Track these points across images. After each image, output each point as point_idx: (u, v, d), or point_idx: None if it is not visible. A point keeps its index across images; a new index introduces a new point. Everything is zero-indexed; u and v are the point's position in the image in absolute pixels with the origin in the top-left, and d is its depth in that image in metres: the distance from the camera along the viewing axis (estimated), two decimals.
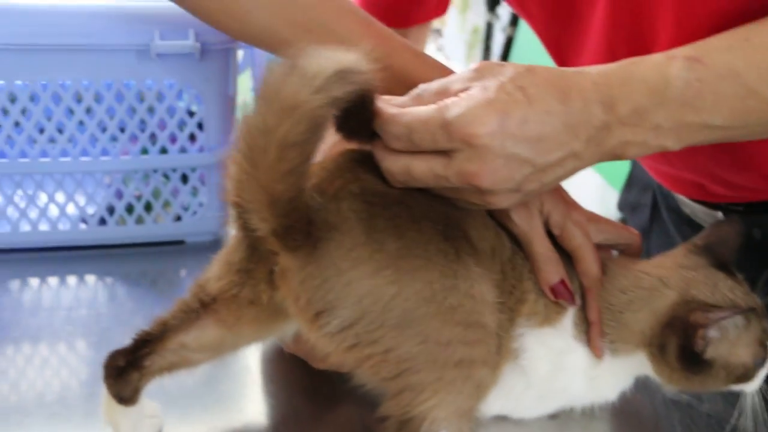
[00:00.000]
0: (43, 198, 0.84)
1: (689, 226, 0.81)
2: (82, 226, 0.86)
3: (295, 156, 0.46)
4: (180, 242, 0.90)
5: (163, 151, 0.84)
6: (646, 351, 0.58)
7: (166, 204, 0.87)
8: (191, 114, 0.84)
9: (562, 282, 0.56)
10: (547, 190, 0.53)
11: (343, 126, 0.51)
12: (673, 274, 0.59)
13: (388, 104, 0.51)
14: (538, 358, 0.57)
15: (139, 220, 0.87)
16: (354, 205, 0.51)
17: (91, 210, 0.86)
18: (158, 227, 0.88)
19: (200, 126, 0.84)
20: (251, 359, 0.69)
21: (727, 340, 0.56)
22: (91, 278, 0.83)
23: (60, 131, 0.81)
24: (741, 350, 0.57)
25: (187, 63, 0.79)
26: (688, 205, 0.81)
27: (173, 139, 0.84)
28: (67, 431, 0.61)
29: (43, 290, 0.80)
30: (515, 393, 0.58)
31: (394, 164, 0.50)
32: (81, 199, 0.85)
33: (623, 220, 1.01)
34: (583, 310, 0.58)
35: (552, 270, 0.56)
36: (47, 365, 0.69)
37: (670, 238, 0.86)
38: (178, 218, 0.88)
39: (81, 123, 0.81)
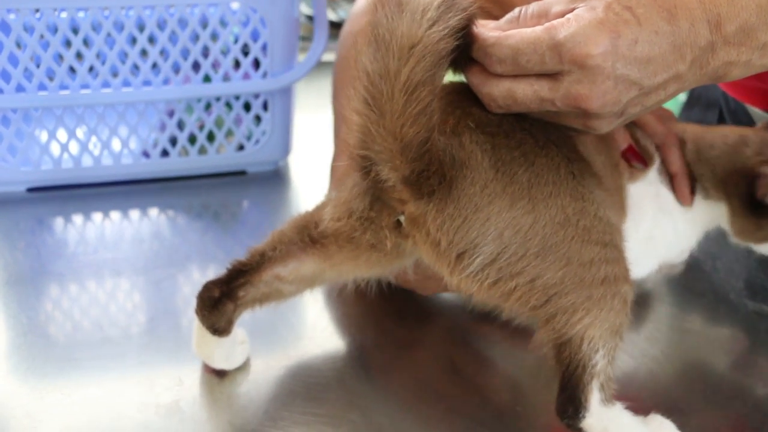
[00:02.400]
0: (105, 131, 0.82)
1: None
2: (144, 159, 0.84)
3: (425, 95, 0.45)
4: (242, 173, 0.88)
5: (226, 78, 0.82)
6: (726, 202, 0.66)
7: (229, 133, 0.85)
8: (255, 39, 0.81)
9: (630, 148, 0.63)
10: (642, 114, 0.53)
11: None
12: (751, 136, 0.66)
13: (487, 28, 0.49)
14: (642, 204, 0.64)
15: (202, 150, 0.85)
16: (476, 138, 0.50)
17: (153, 142, 0.84)
18: (220, 158, 0.86)
19: (264, 50, 0.81)
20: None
21: None
22: (153, 211, 0.82)
23: (123, 61, 0.79)
24: None
25: None
26: (761, 117, 0.79)
27: (237, 65, 0.82)
28: (154, 360, 0.61)
29: (106, 224, 0.79)
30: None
31: (496, 88, 0.49)
32: (143, 132, 0.83)
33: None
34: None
35: (620, 138, 0.63)
36: (113, 298, 0.68)
37: None
38: (241, 148, 0.86)
39: (143, 52, 0.79)
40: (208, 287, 0.57)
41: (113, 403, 0.56)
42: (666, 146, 0.66)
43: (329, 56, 1.23)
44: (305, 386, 0.59)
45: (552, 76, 0.47)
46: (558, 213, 0.50)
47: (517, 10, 0.51)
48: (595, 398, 0.49)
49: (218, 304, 0.57)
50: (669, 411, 0.54)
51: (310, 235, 0.56)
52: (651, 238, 0.65)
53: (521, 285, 0.49)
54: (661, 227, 0.66)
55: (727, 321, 0.68)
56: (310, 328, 0.66)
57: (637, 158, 0.64)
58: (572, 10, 0.47)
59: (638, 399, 0.58)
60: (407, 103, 0.45)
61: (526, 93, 0.48)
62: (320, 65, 1.21)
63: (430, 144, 0.47)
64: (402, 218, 0.51)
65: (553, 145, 0.52)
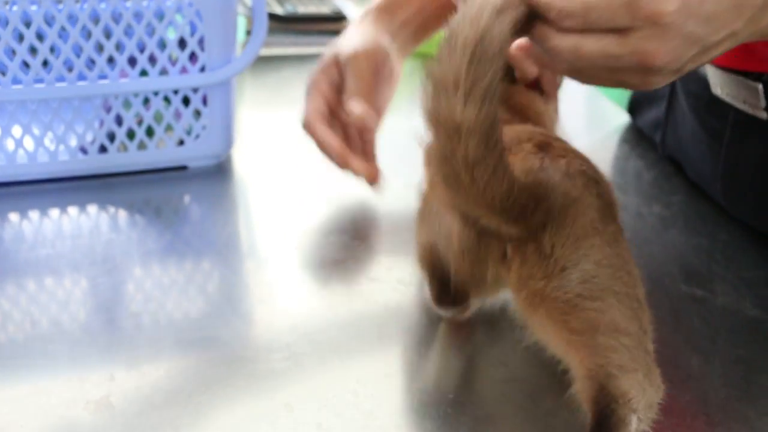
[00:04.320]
0: (39, 128, 0.80)
1: (709, 111, 0.81)
2: (82, 155, 0.83)
3: (483, 173, 0.48)
4: (183, 168, 0.88)
5: (164, 72, 0.81)
6: None
7: (168, 128, 0.84)
8: (193, 30, 0.80)
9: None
10: (693, 69, 0.53)
11: None
12: None
13: None
14: None
15: (141, 146, 0.84)
16: (585, 182, 0.55)
17: (90, 138, 0.83)
18: (160, 153, 0.85)
19: (201, 44, 0.80)
20: None
21: None
22: (93, 208, 0.81)
23: (55, 55, 0.77)
24: None
25: None
26: (719, 79, 0.78)
27: (173, 58, 0.81)
28: (85, 356, 0.60)
29: (44, 222, 0.78)
30: None
31: (562, 42, 0.49)
32: (79, 128, 0.82)
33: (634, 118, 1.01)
34: None
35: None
36: (49, 295, 0.67)
37: (687, 124, 0.86)
38: (181, 142, 0.86)
39: (77, 46, 0.78)
40: None
41: (42, 401, 0.55)
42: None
43: (277, 50, 1.23)
44: (245, 379, 0.58)
45: (620, 31, 0.48)
46: (632, 271, 0.54)
47: None
48: None
49: None
50: None
51: None
52: None
53: (594, 312, 0.51)
54: None
55: (662, 305, 0.69)
56: (247, 321, 0.66)
57: None
58: None
59: None
60: (472, 181, 0.48)
61: (592, 48, 0.49)
62: (268, 59, 1.21)
63: (516, 191, 0.49)
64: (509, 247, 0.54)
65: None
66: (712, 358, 0.63)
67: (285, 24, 1.24)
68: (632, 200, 0.86)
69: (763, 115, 0.74)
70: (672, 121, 0.91)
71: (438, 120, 0.47)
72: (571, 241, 0.52)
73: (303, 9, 1.26)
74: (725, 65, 0.76)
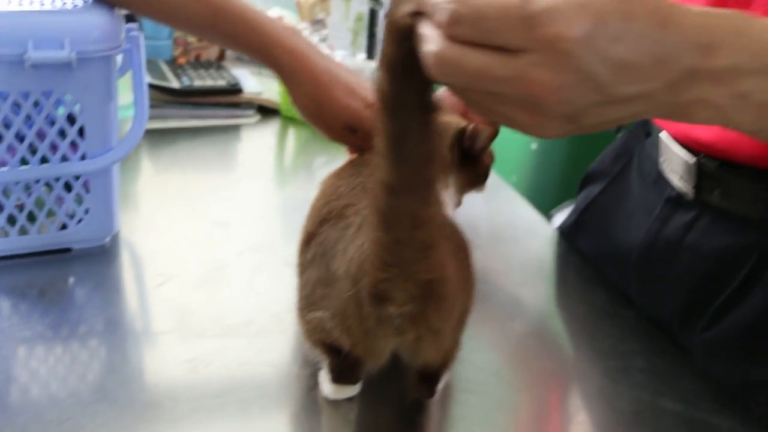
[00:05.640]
0: None
1: (653, 186, 0.82)
2: None
3: (431, 254, 0.55)
4: (67, 250, 0.89)
5: (44, 160, 0.83)
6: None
7: (50, 213, 0.86)
8: (72, 121, 0.82)
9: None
10: (596, 131, 0.47)
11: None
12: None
13: None
14: None
15: (22, 231, 0.85)
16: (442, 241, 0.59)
17: None
18: (43, 237, 0.87)
19: (81, 133, 0.83)
20: None
21: None
22: None
23: None
24: None
25: (63, 72, 0.78)
26: (667, 150, 0.78)
27: (54, 147, 0.83)
28: None
29: None
30: None
31: (446, 50, 0.42)
32: None
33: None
34: None
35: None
36: None
37: (628, 200, 0.88)
38: (64, 227, 0.87)
39: None
40: None
41: None
42: None
43: (173, 123, 1.26)
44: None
45: (511, 52, 0.41)
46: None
47: None
48: None
49: None
50: None
51: None
52: None
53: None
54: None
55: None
56: (131, 400, 0.67)
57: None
58: None
59: None
60: (422, 260, 0.54)
61: (476, 64, 0.42)
62: (164, 132, 1.23)
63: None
64: (399, 320, 0.60)
65: None
66: None
67: (181, 97, 1.27)
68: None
69: (690, 192, 0.75)
70: (607, 197, 0.93)
71: (393, 211, 0.52)
72: (447, 315, 0.61)
73: (199, 82, 1.29)
74: (674, 134, 0.77)
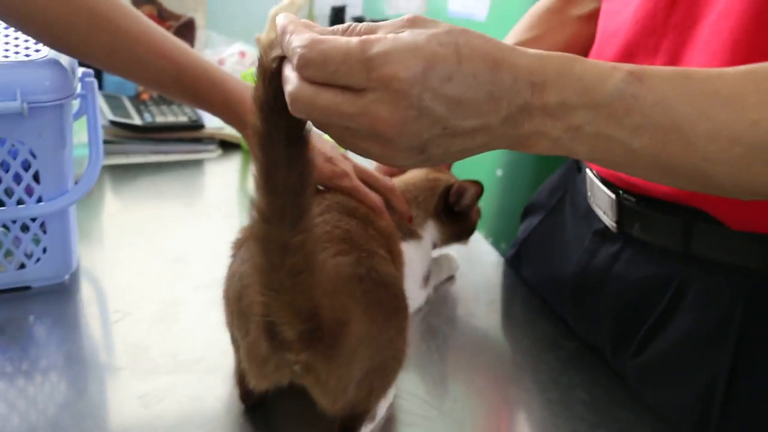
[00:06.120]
0: None
1: (583, 219, 0.87)
2: None
3: (304, 278, 0.57)
4: (26, 288, 0.91)
5: (1, 204, 0.85)
6: (435, 222, 0.92)
7: (8, 253, 0.89)
8: (27, 167, 0.85)
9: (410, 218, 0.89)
10: (450, 161, 0.51)
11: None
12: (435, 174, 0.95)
13: (306, 29, 0.48)
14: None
15: None
16: (352, 293, 0.63)
17: None
18: (2, 276, 0.89)
19: (36, 177, 0.86)
20: None
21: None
22: None
23: None
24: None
25: (16, 121, 0.81)
26: (593, 186, 0.83)
27: (9, 192, 0.86)
28: None
29: None
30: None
31: (299, 90, 0.47)
32: None
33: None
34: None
35: (402, 207, 0.86)
36: None
37: (562, 230, 0.93)
38: (22, 266, 0.90)
39: None
40: None
41: None
42: (393, 193, 0.84)
43: (135, 159, 1.29)
44: None
45: (357, 91, 0.46)
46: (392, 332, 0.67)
47: (347, 24, 0.49)
48: None
49: None
50: None
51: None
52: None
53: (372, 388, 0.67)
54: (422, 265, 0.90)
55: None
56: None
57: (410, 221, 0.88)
58: (397, 33, 0.46)
59: None
60: (294, 285, 0.56)
61: (327, 103, 0.46)
62: (126, 167, 1.26)
63: (317, 308, 0.59)
64: (297, 367, 0.63)
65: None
66: None
67: (143, 133, 1.30)
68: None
69: (613, 226, 0.80)
70: (543, 228, 0.98)
71: (269, 240, 0.55)
72: (343, 369, 0.63)
73: (161, 118, 1.32)
74: (596, 170, 0.82)
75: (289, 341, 0.60)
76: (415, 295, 0.90)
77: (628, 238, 0.79)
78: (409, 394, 0.77)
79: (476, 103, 0.46)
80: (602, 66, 0.50)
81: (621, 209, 0.78)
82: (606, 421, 0.76)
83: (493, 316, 0.97)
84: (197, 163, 1.32)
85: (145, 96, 1.41)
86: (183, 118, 1.33)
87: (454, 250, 1.02)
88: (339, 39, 0.46)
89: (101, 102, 1.34)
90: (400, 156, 0.48)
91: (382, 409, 0.73)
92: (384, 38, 0.46)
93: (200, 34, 1.44)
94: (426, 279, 0.92)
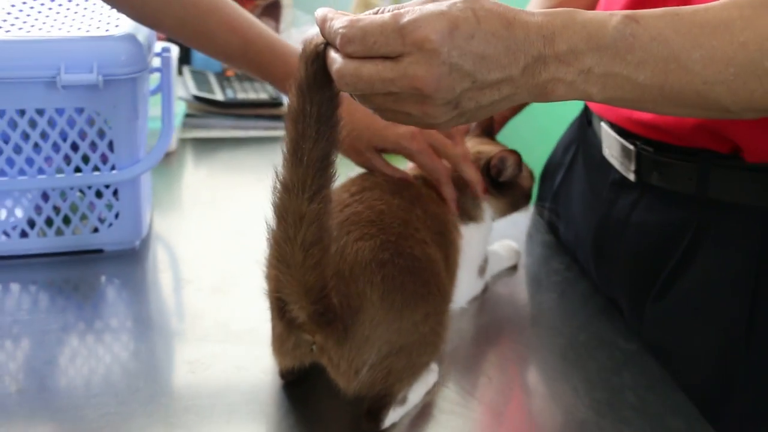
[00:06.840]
0: None
1: (598, 170, 0.90)
2: (4, 237, 0.92)
3: (317, 252, 0.59)
4: (99, 251, 0.97)
5: (78, 170, 0.91)
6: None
7: (83, 217, 0.94)
8: (102, 137, 0.90)
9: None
10: (482, 115, 0.56)
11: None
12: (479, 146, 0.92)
13: (340, 14, 0.54)
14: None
15: (59, 232, 0.94)
16: (370, 278, 0.65)
17: (11, 224, 0.92)
18: (77, 238, 0.95)
19: (111, 146, 0.90)
20: None
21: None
22: (15, 287, 0.90)
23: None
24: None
25: (92, 93, 0.85)
26: (607, 139, 0.87)
27: (86, 158, 0.91)
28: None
29: None
30: None
31: (345, 66, 0.53)
32: (2, 213, 0.92)
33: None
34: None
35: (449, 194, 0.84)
36: None
37: (578, 185, 0.95)
38: (96, 230, 0.95)
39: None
40: None
41: None
42: (465, 161, 0.84)
43: (216, 133, 1.33)
44: None
45: (394, 58, 0.52)
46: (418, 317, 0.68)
47: (376, 8, 0.55)
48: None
49: None
50: None
51: None
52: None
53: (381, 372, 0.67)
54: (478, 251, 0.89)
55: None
56: (159, 390, 0.74)
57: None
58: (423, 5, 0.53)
59: None
60: (305, 258, 0.58)
61: (370, 72, 0.52)
62: (208, 141, 1.31)
63: (328, 289, 0.61)
64: (314, 347, 0.66)
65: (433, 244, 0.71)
66: None
67: (225, 109, 1.34)
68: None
69: (631, 176, 0.83)
70: (565, 186, 0.99)
71: (286, 211, 0.58)
72: (354, 352, 0.64)
73: (243, 95, 1.36)
74: (614, 121, 0.85)
75: (299, 322, 0.62)
76: (470, 283, 0.89)
77: (645, 186, 0.82)
78: (449, 381, 0.78)
79: (497, 57, 0.52)
80: (601, 14, 0.55)
81: (639, 159, 0.81)
82: (655, 427, 0.74)
83: (547, 305, 0.96)
84: (275, 140, 1.35)
85: (230, 73, 1.45)
86: (263, 96, 1.36)
87: (515, 241, 1.01)
88: (374, 16, 0.52)
89: (188, 77, 1.39)
90: (438, 112, 0.53)
91: (416, 395, 0.73)
92: (412, 9, 0.52)
93: (286, 12, 1.47)
94: (482, 268, 0.91)
